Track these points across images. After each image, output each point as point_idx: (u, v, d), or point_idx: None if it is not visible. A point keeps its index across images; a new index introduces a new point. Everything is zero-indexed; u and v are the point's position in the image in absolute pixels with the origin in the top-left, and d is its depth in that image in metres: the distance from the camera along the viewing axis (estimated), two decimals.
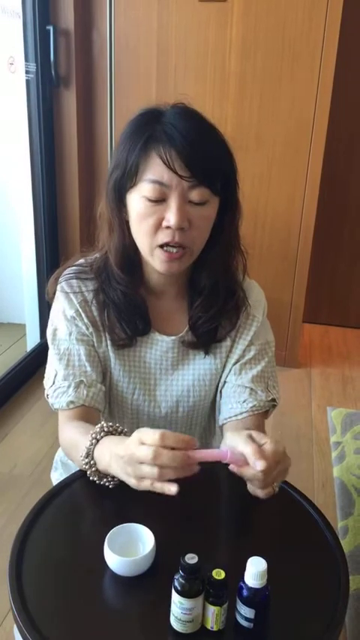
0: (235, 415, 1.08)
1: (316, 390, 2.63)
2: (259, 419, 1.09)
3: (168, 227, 0.94)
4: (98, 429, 0.93)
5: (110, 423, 0.94)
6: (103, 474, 0.92)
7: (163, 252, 0.97)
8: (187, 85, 2.40)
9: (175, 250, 0.96)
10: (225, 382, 1.12)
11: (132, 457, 0.81)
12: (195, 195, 0.94)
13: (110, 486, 0.93)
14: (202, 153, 0.93)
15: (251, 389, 1.09)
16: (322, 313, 3.24)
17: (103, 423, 0.94)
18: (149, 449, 0.78)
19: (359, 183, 3.02)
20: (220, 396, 1.13)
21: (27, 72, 2.38)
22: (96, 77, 2.50)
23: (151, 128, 0.94)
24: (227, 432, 1.07)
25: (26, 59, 2.37)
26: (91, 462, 0.92)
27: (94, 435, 0.92)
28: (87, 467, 0.92)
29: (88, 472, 0.93)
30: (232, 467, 0.84)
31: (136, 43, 2.40)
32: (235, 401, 1.09)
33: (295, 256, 2.59)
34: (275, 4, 2.25)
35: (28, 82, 2.39)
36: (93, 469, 0.92)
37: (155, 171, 0.93)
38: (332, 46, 2.26)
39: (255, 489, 0.86)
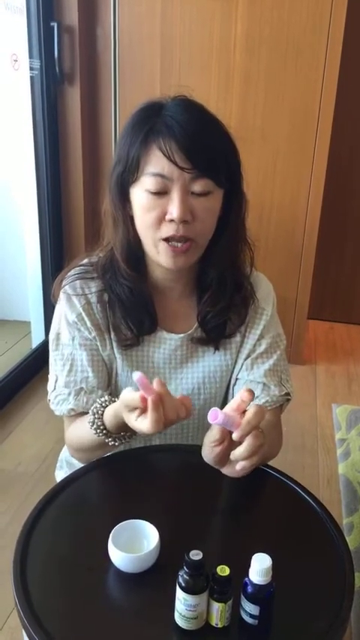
0: (252, 406, 1.07)
1: (321, 386, 2.62)
2: (273, 413, 1.08)
3: (171, 220, 0.94)
4: (98, 405, 0.96)
5: (105, 399, 0.97)
6: (117, 432, 0.95)
7: (169, 247, 0.96)
8: (191, 80, 2.38)
9: (180, 244, 0.95)
10: (237, 379, 1.12)
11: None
12: (197, 186, 0.93)
13: (128, 439, 0.96)
14: (202, 144, 0.93)
15: (264, 384, 1.08)
16: (326, 310, 3.23)
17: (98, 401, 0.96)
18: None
19: None
20: (233, 394, 1.12)
21: (31, 68, 2.37)
22: (100, 73, 2.50)
23: (152, 121, 0.94)
24: None
25: (30, 56, 2.36)
26: (101, 426, 0.94)
27: (94, 411, 0.96)
28: (100, 434, 0.95)
29: (103, 438, 0.95)
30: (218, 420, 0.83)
31: (140, 38, 2.40)
32: None
33: (300, 252, 2.58)
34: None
35: (32, 78, 2.39)
36: (105, 432, 0.95)
37: (156, 164, 0.93)
38: (337, 40, 2.25)
39: (236, 456, 0.84)
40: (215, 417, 0.82)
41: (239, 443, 0.82)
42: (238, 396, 0.84)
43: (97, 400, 0.98)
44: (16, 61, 2.46)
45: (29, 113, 2.43)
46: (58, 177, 2.57)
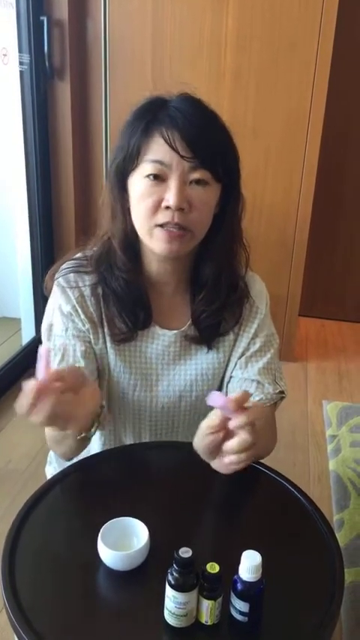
0: (253, 403, 1.07)
1: (312, 383, 2.63)
2: (268, 412, 1.07)
3: (167, 207, 0.94)
4: None
5: None
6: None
7: (163, 231, 0.96)
8: (182, 75, 2.37)
9: (175, 229, 0.95)
10: (231, 377, 1.12)
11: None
12: (195, 176, 0.94)
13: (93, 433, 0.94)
14: (204, 136, 0.95)
15: (258, 382, 1.08)
16: (318, 307, 3.23)
17: None
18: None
19: (355, 176, 3.01)
20: (227, 393, 1.12)
21: (21, 63, 2.35)
22: (90, 68, 2.48)
23: (155, 112, 0.96)
24: None
25: (20, 50, 2.34)
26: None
27: None
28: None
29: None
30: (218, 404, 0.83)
31: (131, 33, 2.38)
32: None
33: (291, 249, 2.58)
34: None
35: (21, 73, 2.36)
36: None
37: (157, 151, 0.94)
38: (329, 36, 2.24)
39: (227, 448, 0.84)
40: (215, 399, 0.82)
41: (232, 437, 0.83)
42: (239, 392, 0.84)
43: None
44: (5, 55, 2.43)
45: (19, 108, 2.41)
46: (48, 173, 2.56)
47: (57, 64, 2.41)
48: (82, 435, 0.94)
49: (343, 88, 2.74)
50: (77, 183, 2.57)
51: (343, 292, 3.23)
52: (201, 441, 0.87)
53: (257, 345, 1.10)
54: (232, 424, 0.82)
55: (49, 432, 1.00)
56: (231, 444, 0.83)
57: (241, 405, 0.83)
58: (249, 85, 2.36)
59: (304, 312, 2.99)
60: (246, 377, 1.09)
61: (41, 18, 2.32)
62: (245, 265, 1.11)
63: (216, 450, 0.86)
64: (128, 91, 2.41)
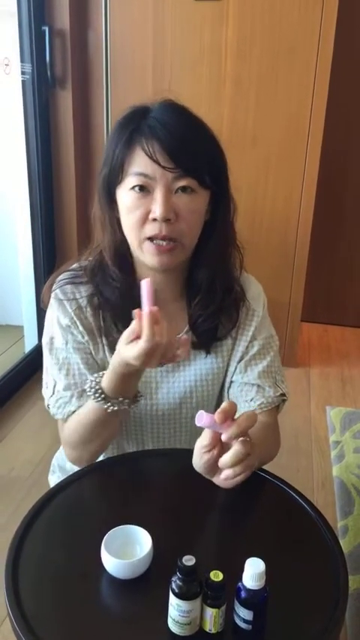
0: (244, 412, 1.07)
1: (315, 389, 2.63)
2: (269, 415, 1.08)
3: (154, 219, 0.94)
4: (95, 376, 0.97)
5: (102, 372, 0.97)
6: (114, 396, 0.95)
7: (152, 245, 0.96)
8: (183, 84, 2.39)
9: (164, 243, 0.96)
10: (231, 382, 1.12)
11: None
12: (181, 184, 0.94)
13: (126, 405, 0.96)
14: (185, 144, 0.94)
15: (258, 385, 1.08)
16: (320, 312, 3.23)
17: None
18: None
19: (356, 182, 3.01)
20: (228, 397, 1.12)
21: (23, 73, 2.37)
22: (92, 77, 2.50)
23: (136, 123, 0.95)
24: None
25: (22, 60, 2.36)
26: (99, 390, 0.95)
27: (92, 379, 0.97)
28: (98, 397, 0.95)
29: (101, 402, 0.95)
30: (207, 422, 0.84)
31: (132, 42, 2.40)
32: (243, 400, 1.08)
33: (292, 255, 2.59)
34: (271, 3, 2.24)
35: (23, 82, 2.38)
36: (102, 396, 0.95)
37: (139, 164, 0.94)
38: (328, 45, 2.26)
39: (222, 463, 0.84)
40: (201, 419, 0.82)
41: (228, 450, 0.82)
42: (226, 402, 0.84)
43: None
44: (7, 65, 2.45)
45: (21, 117, 2.43)
46: (50, 182, 2.57)
47: (59, 74, 2.42)
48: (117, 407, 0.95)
49: (343, 94, 2.75)
50: (79, 192, 2.58)
51: (345, 297, 3.23)
52: (198, 460, 0.87)
53: (256, 348, 1.10)
54: (224, 438, 0.82)
55: (80, 423, 1.01)
56: (224, 458, 0.82)
57: (228, 417, 0.82)
58: (249, 92, 2.37)
59: (306, 317, 2.99)
60: (246, 381, 1.09)
61: (43, 28, 2.33)
62: (239, 267, 1.11)
63: (214, 467, 0.85)
64: (129, 99, 2.38)
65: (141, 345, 0.84)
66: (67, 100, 2.46)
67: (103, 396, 0.95)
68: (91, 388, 0.95)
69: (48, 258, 2.61)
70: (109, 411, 0.96)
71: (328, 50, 2.26)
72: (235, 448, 0.82)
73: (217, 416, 0.82)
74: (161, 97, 1.00)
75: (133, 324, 0.86)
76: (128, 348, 0.86)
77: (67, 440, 1.06)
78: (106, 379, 0.94)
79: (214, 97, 2.39)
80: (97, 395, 0.95)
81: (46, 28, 2.33)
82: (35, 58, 2.35)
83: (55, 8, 2.35)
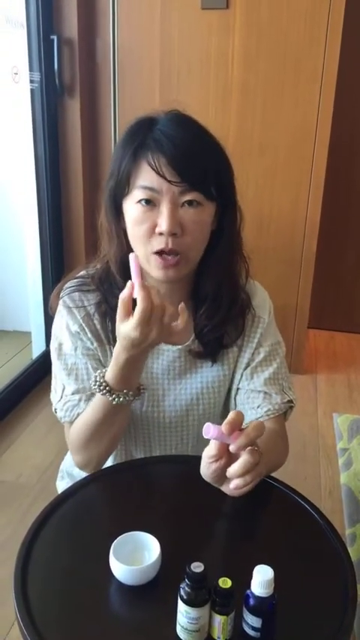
0: (251, 422, 1.07)
1: (322, 396, 2.62)
2: (276, 422, 1.07)
3: (161, 233, 0.95)
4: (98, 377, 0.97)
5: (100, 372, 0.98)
6: (119, 389, 0.95)
7: (158, 259, 0.97)
8: (190, 92, 2.40)
9: (170, 257, 0.96)
10: (238, 389, 1.12)
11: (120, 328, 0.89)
12: (186, 199, 0.94)
13: (131, 397, 0.97)
14: (191, 158, 0.94)
15: (265, 392, 1.08)
16: (327, 319, 3.23)
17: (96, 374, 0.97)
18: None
19: None
20: (235, 405, 1.13)
21: (31, 81, 2.39)
22: (100, 85, 2.52)
23: (142, 136, 0.96)
24: None
25: (30, 69, 2.38)
26: (103, 382, 0.95)
27: (96, 374, 0.97)
28: (103, 390, 0.95)
29: (107, 395, 0.96)
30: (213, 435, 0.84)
31: (139, 51, 2.42)
32: (250, 407, 1.08)
33: (299, 262, 2.59)
34: (277, 12, 2.26)
35: (32, 91, 2.41)
36: (107, 388, 0.95)
37: (145, 178, 0.94)
38: (334, 52, 2.27)
39: (230, 473, 0.84)
40: (208, 431, 0.83)
41: (236, 460, 0.82)
42: (232, 413, 0.84)
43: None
44: (16, 74, 2.48)
45: (30, 125, 2.45)
46: (58, 190, 2.59)
47: (67, 82, 2.45)
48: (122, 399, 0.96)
49: (349, 102, 2.76)
50: (87, 199, 2.59)
51: (352, 304, 3.22)
52: (206, 470, 0.87)
53: (262, 355, 1.10)
54: (232, 449, 0.82)
55: (85, 420, 1.01)
56: (233, 468, 0.82)
57: (235, 428, 0.82)
58: (256, 100, 2.38)
59: (313, 324, 2.99)
60: (252, 388, 1.09)
61: (51, 37, 2.36)
62: (245, 276, 1.11)
63: (222, 476, 0.85)
64: (137, 107, 2.43)
65: (137, 310, 0.85)
66: (75, 108, 2.48)
67: (107, 388, 0.95)
68: (96, 382, 0.96)
69: (56, 265, 2.63)
70: (114, 403, 0.96)
71: (334, 58, 2.27)
72: (244, 458, 0.82)
73: (224, 427, 0.82)
74: (168, 107, 1.00)
75: (119, 304, 0.88)
76: (125, 324, 0.87)
77: (73, 443, 1.06)
78: (110, 372, 0.95)
79: (220, 106, 2.40)
80: (101, 388, 0.95)
81: (55, 37, 2.36)
82: (44, 67, 2.38)
83: (64, 17, 2.38)
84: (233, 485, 0.83)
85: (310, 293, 2.65)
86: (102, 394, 0.96)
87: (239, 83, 2.37)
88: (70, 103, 2.48)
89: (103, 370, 0.97)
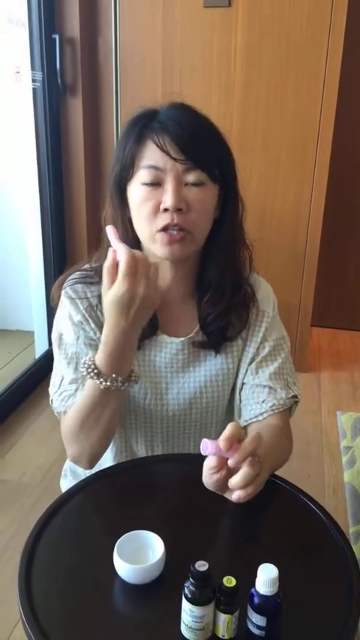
0: (256, 416, 1.07)
1: (326, 394, 2.62)
2: (280, 417, 1.07)
3: (166, 210, 0.95)
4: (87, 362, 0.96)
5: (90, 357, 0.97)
6: (108, 373, 0.94)
7: (164, 235, 0.97)
8: (192, 90, 2.40)
9: (175, 232, 0.97)
10: (243, 384, 1.12)
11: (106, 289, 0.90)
12: (191, 177, 0.96)
13: (119, 384, 0.95)
14: (195, 138, 0.96)
15: (270, 387, 1.08)
16: (330, 317, 3.22)
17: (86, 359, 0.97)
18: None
19: None
20: (240, 400, 1.13)
21: (33, 80, 2.39)
22: (102, 84, 2.52)
23: (146, 120, 0.98)
24: (249, 433, 1.08)
25: (32, 68, 2.38)
26: (92, 365, 0.94)
27: (85, 359, 0.97)
28: (91, 373, 0.94)
29: (94, 379, 0.95)
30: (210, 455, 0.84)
31: (142, 49, 2.41)
32: (255, 402, 1.08)
33: (302, 259, 2.58)
34: (280, 9, 2.25)
35: (34, 90, 2.41)
36: (96, 371, 0.94)
37: (150, 157, 0.96)
38: (337, 48, 2.26)
39: (232, 485, 0.84)
40: (206, 447, 0.83)
41: (237, 470, 0.83)
42: (230, 426, 0.84)
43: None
44: (18, 73, 2.48)
45: (32, 124, 2.45)
46: (60, 188, 2.59)
47: (69, 81, 2.45)
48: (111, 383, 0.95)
49: (352, 98, 2.75)
50: (89, 198, 2.59)
51: (355, 302, 3.22)
52: (208, 480, 0.87)
53: (267, 350, 1.11)
54: (231, 463, 0.82)
55: (77, 408, 1.00)
56: (234, 480, 0.83)
57: (233, 443, 0.82)
58: (259, 97, 2.38)
59: (316, 322, 2.98)
60: (257, 383, 1.09)
61: (53, 36, 2.36)
62: (249, 266, 1.12)
63: (224, 485, 0.86)
64: (139, 106, 2.43)
65: (121, 263, 0.87)
66: (78, 107, 2.48)
67: (96, 371, 0.94)
68: (84, 363, 0.95)
69: (58, 265, 2.63)
70: (102, 387, 0.94)
71: (337, 54, 2.27)
72: (244, 470, 0.82)
73: (221, 443, 0.82)
74: (169, 100, 1.02)
75: (104, 273, 0.90)
76: (112, 288, 0.89)
77: (65, 433, 1.05)
78: (99, 354, 0.95)
79: (223, 103, 2.40)
80: (89, 370, 0.94)
81: (57, 36, 2.36)
82: (46, 66, 2.38)
83: (66, 17, 2.38)
84: (236, 497, 0.84)
85: (313, 291, 2.64)
86: (90, 377, 0.95)
87: (242, 80, 2.37)
88: (72, 101, 2.48)
89: (94, 355, 0.97)
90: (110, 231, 0.91)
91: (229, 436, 0.82)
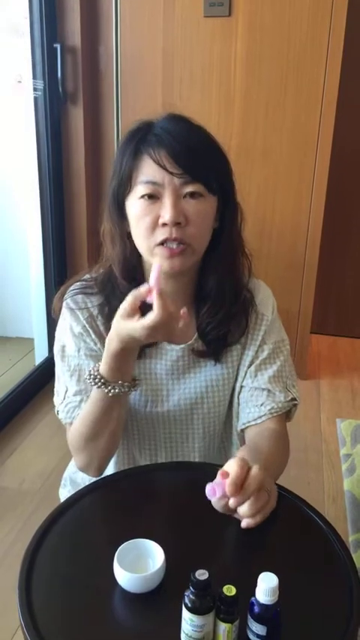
0: (254, 419, 1.08)
1: (325, 401, 2.62)
2: (279, 421, 1.08)
3: (164, 224, 0.96)
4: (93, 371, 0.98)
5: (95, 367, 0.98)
6: (113, 380, 0.96)
7: (164, 249, 0.98)
8: (192, 98, 2.42)
9: (175, 246, 0.97)
10: (242, 387, 1.12)
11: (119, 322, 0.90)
12: (188, 190, 0.96)
13: (125, 389, 0.97)
14: (191, 150, 0.96)
15: (269, 390, 1.09)
16: (329, 324, 3.23)
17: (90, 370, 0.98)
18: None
19: None
20: (239, 403, 1.13)
21: (35, 89, 2.41)
22: (103, 93, 2.53)
23: (142, 134, 0.98)
24: (246, 437, 1.10)
25: (34, 77, 2.40)
26: (98, 376, 0.96)
27: (90, 369, 0.98)
28: (98, 383, 0.96)
29: (102, 388, 0.96)
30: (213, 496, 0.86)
31: (142, 58, 2.43)
32: (253, 405, 1.09)
33: (302, 267, 2.59)
34: (279, 19, 2.27)
35: (35, 99, 2.42)
36: (102, 380, 0.96)
37: (147, 172, 0.96)
38: (336, 58, 2.28)
39: (240, 514, 0.87)
40: (213, 493, 0.84)
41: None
42: (235, 466, 0.85)
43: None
44: (20, 81, 2.50)
45: (33, 133, 2.46)
46: (61, 196, 2.60)
47: (70, 90, 2.46)
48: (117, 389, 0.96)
49: (351, 108, 2.76)
50: (89, 206, 2.60)
51: (354, 309, 3.22)
52: (216, 504, 0.89)
53: (265, 353, 1.11)
54: (232, 504, 0.84)
55: (83, 417, 1.01)
56: (242, 509, 0.85)
57: (238, 486, 0.83)
58: (258, 106, 2.39)
59: (315, 329, 2.98)
60: (256, 386, 1.10)
61: (55, 45, 2.37)
62: (248, 273, 1.12)
63: (233, 509, 0.87)
64: (140, 114, 2.41)
65: (153, 317, 0.86)
66: (79, 115, 2.49)
67: (102, 380, 0.96)
68: (90, 375, 0.97)
69: (59, 272, 2.63)
70: (109, 395, 0.96)
71: (337, 62, 2.28)
72: (251, 502, 0.84)
73: (228, 489, 0.83)
74: (165, 111, 1.03)
75: (129, 300, 0.89)
76: (131, 322, 0.88)
77: (73, 443, 1.06)
78: (103, 364, 0.96)
79: (223, 111, 2.41)
80: (96, 381, 0.96)
81: (58, 46, 2.37)
82: (47, 75, 2.39)
83: (67, 26, 2.39)
84: (244, 524, 0.86)
85: (312, 298, 2.65)
86: (97, 387, 0.96)
87: (242, 90, 2.38)
88: (73, 110, 2.49)
89: (98, 364, 0.98)
90: (155, 270, 0.88)
91: (236, 482, 0.83)
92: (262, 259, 2.52)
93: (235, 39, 2.32)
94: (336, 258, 3.08)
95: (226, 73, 2.37)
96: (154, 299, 0.86)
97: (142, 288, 0.88)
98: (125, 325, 0.89)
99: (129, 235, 1.03)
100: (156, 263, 0.89)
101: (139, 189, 0.97)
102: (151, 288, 0.87)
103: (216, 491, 0.84)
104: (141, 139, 0.98)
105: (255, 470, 0.85)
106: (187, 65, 2.39)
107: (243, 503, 0.84)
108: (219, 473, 0.85)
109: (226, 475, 0.84)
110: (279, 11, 2.26)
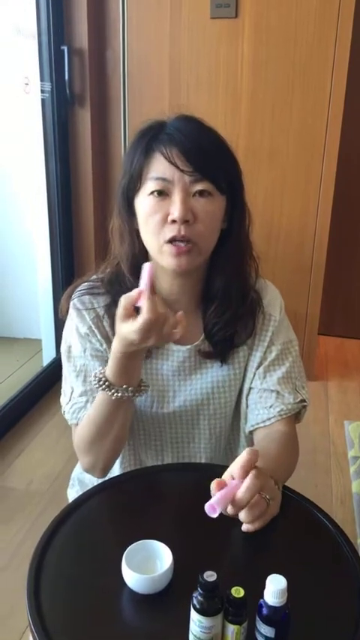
0: (263, 421, 1.08)
1: (333, 403, 2.61)
2: (288, 423, 1.08)
3: (173, 221, 0.96)
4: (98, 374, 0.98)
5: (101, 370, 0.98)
6: (119, 383, 0.96)
7: (172, 247, 0.98)
8: (199, 100, 2.42)
9: (183, 244, 0.97)
10: (250, 388, 1.12)
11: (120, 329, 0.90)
12: (198, 188, 0.96)
13: (129, 394, 0.97)
14: (202, 149, 0.97)
15: (278, 392, 1.08)
16: (337, 326, 3.22)
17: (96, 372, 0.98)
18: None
19: None
20: (247, 404, 1.13)
21: (42, 91, 2.42)
22: (110, 95, 2.54)
23: (154, 132, 0.99)
24: (255, 439, 1.10)
25: (41, 79, 2.41)
26: (103, 378, 0.96)
27: (96, 372, 0.98)
28: (103, 385, 0.96)
29: (106, 390, 0.96)
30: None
31: (149, 60, 2.44)
32: (262, 406, 1.09)
33: (309, 268, 2.59)
34: (285, 20, 2.27)
35: (43, 101, 2.43)
36: (107, 383, 0.96)
37: (158, 168, 0.97)
38: (343, 59, 2.27)
39: (241, 519, 0.87)
40: (213, 510, 0.83)
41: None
42: (244, 455, 0.85)
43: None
44: (27, 84, 2.51)
45: (40, 135, 2.47)
46: (68, 198, 2.61)
47: (77, 92, 2.47)
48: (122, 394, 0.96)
49: (358, 110, 2.76)
50: (97, 208, 2.61)
51: None
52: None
53: (274, 354, 1.10)
54: (231, 512, 0.85)
55: (89, 420, 1.01)
56: (241, 516, 0.86)
57: (246, 470, 0.84)
58: (265, 108, 2.39)
59: (323, 330, 2.97)
60: (265, 387, 1.09)
61: (62, 47, 2.39)
62: (255, 275, 1.12)
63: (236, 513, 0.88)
64: (147, 116, 2.43)
65: (141, 318, 0.86)
66: (86, 117, 2.50)
67: (107, 383, 0.96)
68: (95, 377, 0.97)
69: (66, 273, 2.64)
70: (113, 398, 0.96)
71: (343, 66, 2.28)
72: (248, 509, 0.85)
73: (230, 510, 0.85)
74: (176, 112, 1.03)
75: (122, 303, 0.89)
76: (127, 325, 0.88)
77: (78, 444, 1.06)
78: (109, 367, 0.96)
79: (230, 113, 2.41)
80: (101, 383, 0.96)
81: (65, 48, 2.38)
82: (54, 77, 2.40)
83: (74, 28, 2.40)
84: (244, 529, 0.87)
85: (320, 300, 2.64)
86: (102, 389, 0.96)
87: (248, 91, 2.38)
88: (80, 112, 2.50)
89: (104, 367, 0.98)
90: (146, 271, 0.88)
91: (242, 501, 0.84)
92: (270, 261, 2.51)
93: (242, 40, 2.32)
94: (343, 259, 3.07)
95: (233, 74, 2.37)
96: (142, 302, 0.86)
97: (133, 292, 0.88)
98: (122, 329, 0.89)
99: (137, 233, 1.03)
100: (146, 265, 0.89)
101: (149, 186, 0.97)
102: (141, 292, 0.87)
103: (216, 509, 0.83)
104: (153, 136, 0.98)
105: (249, 480, 0.84)
106: (194, 67, 2.39)
107: (240, 510, 0.85)
108: (214, 486, 0.85)
109: (222, 486, 0.85)
110: (285, 12, 2.26)
